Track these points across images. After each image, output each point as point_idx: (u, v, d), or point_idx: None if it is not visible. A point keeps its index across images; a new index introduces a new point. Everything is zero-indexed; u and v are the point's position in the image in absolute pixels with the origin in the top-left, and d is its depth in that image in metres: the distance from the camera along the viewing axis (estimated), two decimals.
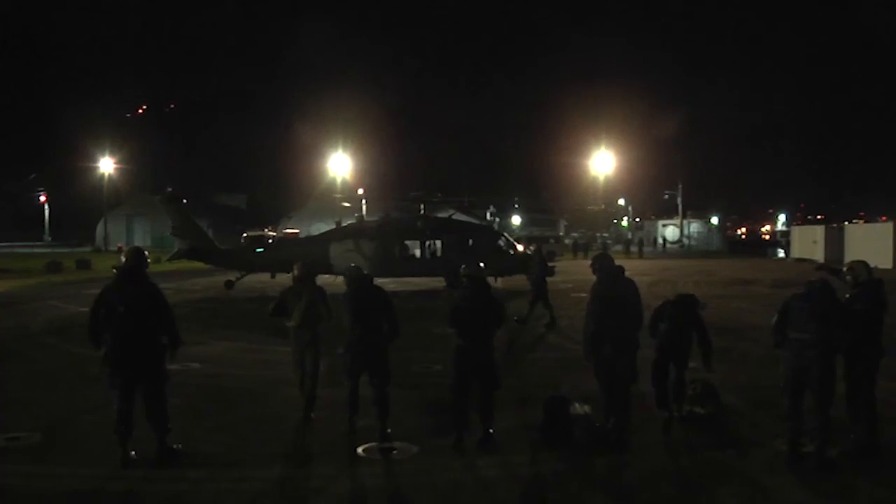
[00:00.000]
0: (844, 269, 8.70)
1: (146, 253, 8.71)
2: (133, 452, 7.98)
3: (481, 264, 9.17)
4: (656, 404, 9.19)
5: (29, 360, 14.53)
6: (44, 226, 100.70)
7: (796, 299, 8.06)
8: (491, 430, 8.66)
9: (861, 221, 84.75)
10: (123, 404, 7.93)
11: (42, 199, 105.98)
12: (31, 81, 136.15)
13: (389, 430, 8.83)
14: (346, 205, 61.56)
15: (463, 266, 9.06)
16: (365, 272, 9.59)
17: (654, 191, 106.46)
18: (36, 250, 69.72)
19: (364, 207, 58.57)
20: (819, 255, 49.57)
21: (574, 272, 39.45)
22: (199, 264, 31.91)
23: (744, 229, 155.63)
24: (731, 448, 8.46)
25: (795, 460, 7.91)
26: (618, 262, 9.31)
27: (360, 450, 8.48)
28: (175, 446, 8.25)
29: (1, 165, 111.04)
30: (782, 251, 67.86)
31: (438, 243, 28.84)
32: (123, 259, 8.39)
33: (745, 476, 7.73)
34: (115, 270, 8.37)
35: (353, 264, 10.46)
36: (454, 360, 8.70)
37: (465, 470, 7.94)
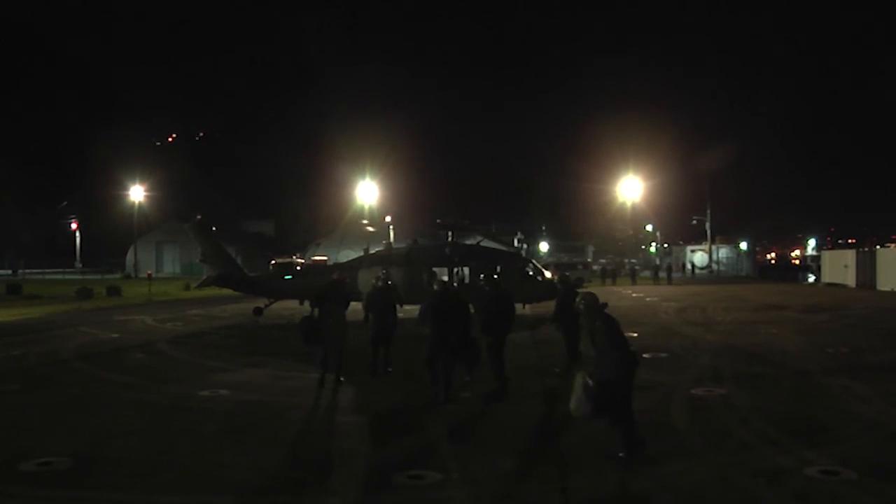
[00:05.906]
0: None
1: (346, 279, 15.88)
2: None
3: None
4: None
5: (59, 385, 14.60)
6: (75, 252, 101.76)
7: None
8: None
9: (893, 245, 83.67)
10: (323, 356, 13.67)
11: (73, 226, 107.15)
12: (61, 109, 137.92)
13: None
14: (372, 229, 61.77)
15: (437, 280, 12.46)
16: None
17: (681, 216, 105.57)
18: (67, 277, 70.59)
19: (392, 234, 58.80)
20: (850, 279, 48.99)
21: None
22: (227, 291, 32.12)
23: (773, 254, 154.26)
24: (762, 475, 8.30)
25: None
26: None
27: (388, 477, 8.44)
28: (341, 378, 13.71)
29: (33, 193, 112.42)
30: (813, 276, 67.18)
31: (466, 270, 28.83)
32: (334, 276, 15.23)
33: None
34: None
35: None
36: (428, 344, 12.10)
37: (483, 499, 7.85)
